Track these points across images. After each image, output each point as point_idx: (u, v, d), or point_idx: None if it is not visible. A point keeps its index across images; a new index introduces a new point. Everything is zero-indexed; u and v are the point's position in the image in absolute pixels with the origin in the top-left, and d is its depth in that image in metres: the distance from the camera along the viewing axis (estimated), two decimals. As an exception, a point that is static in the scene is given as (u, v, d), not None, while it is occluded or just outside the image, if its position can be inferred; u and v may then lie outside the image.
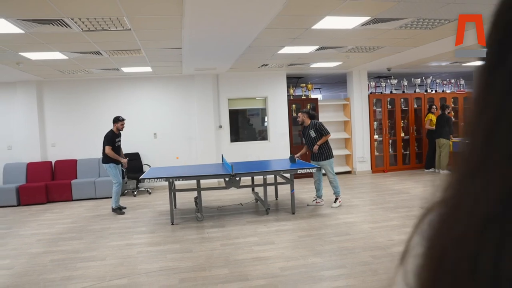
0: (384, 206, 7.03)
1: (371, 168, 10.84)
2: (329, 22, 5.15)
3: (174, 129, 10.18)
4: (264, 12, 4.59)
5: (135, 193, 9.38)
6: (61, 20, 4.59)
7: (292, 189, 6.81)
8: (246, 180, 7.74)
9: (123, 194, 9.04)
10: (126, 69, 8.53)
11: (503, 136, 0.32)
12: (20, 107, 9.56)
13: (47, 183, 9.09)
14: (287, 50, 7.06)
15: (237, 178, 6.67)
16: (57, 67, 7.78)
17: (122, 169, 7.90)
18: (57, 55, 6.54)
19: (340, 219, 6.31)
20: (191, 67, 8.82)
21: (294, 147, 10.52)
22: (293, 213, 6.75)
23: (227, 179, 6.66)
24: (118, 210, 7.38)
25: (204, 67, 8.91)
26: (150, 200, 8.63)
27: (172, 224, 6.46)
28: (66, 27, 4.85)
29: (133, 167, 9.31)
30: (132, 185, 9.68)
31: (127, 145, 9.67)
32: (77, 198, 9.00)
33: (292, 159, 7.57)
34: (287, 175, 7.08)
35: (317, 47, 6.94)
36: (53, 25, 4.74)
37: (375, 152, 10.93)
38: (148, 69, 8.68)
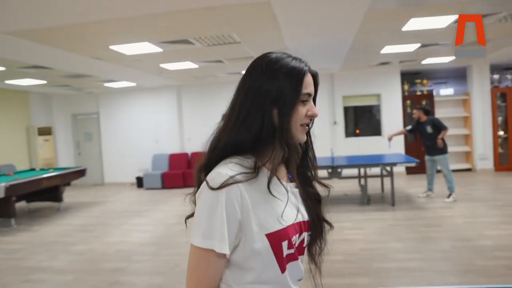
0: (490, 204, 6.91)
1: (494, 166, 10.29)
2: (417, 23, 5.47)
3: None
4: (349, 23, 5.17)
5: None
6: (187, 40, 5.85)
7: (392, 182, 7.15)
8: (353, 172, 8.33)
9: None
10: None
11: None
12: (164, 108, 11.52)
13: (184, 171, 10.83)
14: (388, 49, 7.40)
15: (339, 170, 7.29)
16: (191, 74, 9.31)
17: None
18: (189, 65, 7.97)
19: (437, 213, 6.48)
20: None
21: (408, 144, 10.63)
22: (393, 205, 7.09)
23: (329, 170, 7.33)
24: None
25: (317, 68, 9.61)
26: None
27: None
28: (192, 44, 6.10)
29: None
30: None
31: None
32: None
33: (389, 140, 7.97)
34: (388, 168, 7.42)
35: (418, 44, 7.14)
36: (182, 44, 6.03)
37: (499, 149, 10.34)
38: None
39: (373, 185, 8.73)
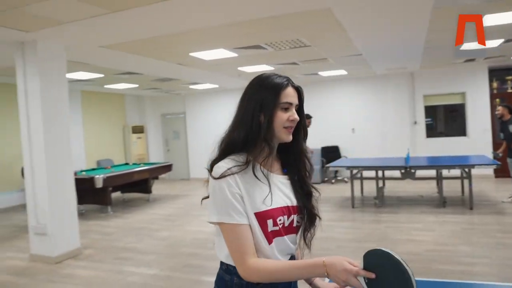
0: None
1: None
2: (492, 19, 5.26)
3: (370, 124, 11.00)
4: (415, 22, 5.15)
5: (333, 181, 10.72)
6: (259, 46, 6.22)
7: (470, 184, 6.87)
8: (431, 173, 8.10)
9: (323, 182, 10.56)
10: (323, 73, 9.87)
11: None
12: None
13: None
14: (468, 46, 7.10)
15: (413, 171, 7.18)
16: (268, 75, 9.69)
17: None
18: (265, 68, 8.36)
19: (519, 219, 6.14)
20: (381, 68, 9.51)
21: (497, 144, 9.97)
22: (471, 208, 6.82)
23: (402, 171, 7.25)
24: None
25: (393, 67, 9.48)
26: (343, 188, 9.74)
27: (353, 207, 7.47)
28: (264, 49, 6.46)
29: (332, 158, 10.57)
30: (331, 174, 11.03)
31: (327, 139, 11.13)
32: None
33: (496, 155, 7.57)
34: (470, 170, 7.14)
35: (502, 40, 6.77)
36: (255, 49, 6.42)
37: None
38: (343, 72, 9.80)
39: (454, 187, 8.42)
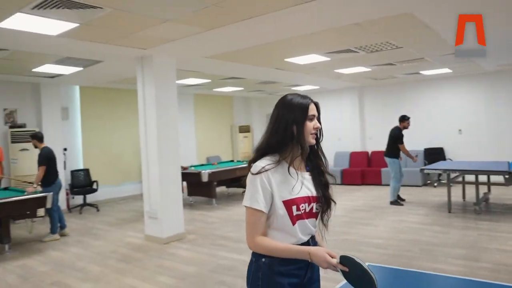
0: None
1: None
2: None
3: (479, 125, 10.33)
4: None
5: (436, 184, 10.32)
6: (349, 49, 6.45)
7: None
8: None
9: (424, 185, 10.24)
10: (425, 72, 9.59)
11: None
12: (346, 108, 12.21)
13: (363, 169, 11.30)
14: None
15: (518, 176, 6.71)
16: (368, 76, 9.75)
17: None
18: (362, 69, 8.49)
19: None
20: (492, 64, 8.93)
21: None
22: None
23: (506, 176, 6.82)
24: (396, 202, 8.15)
25: (507, 63, 8.82)
26: (445, 192, 9.35)
27: (449, 212, 7.25)
28: (355, 52, 6.67)
29: (436, 160, 10.15)
30: (434, 177, 10.60)
31: (430, 140, 10.77)
32: (386, 183, 10.75)
33: None
34: None
35: None
36: (346, 53, 6.66)
37: None
38: (447, 70, 9.41)
39: None
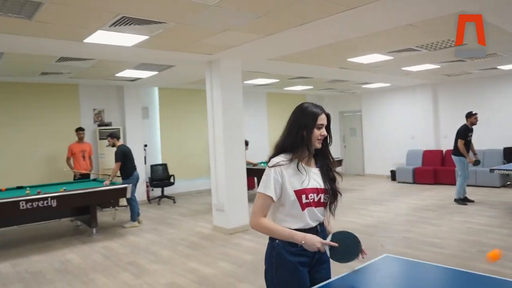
0: None
1: None
2: None
3: None
4: None
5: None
6: (410, 48, 6.40)
7: None
8: None
9: (503, 186, 9.68)
10: (503, 67, 9.04)
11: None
12: (419, 105, 11.85)
13: (436, 168, 10.94)
14: None
15: None
16: (440, 72, 9.43)
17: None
18: (429, 66, 8.29)
19: None
20: None
21: None
22: None
23: None
24: (461, 201, 7.93)
25: None
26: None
27: (529, 215, 6.88)
28: (417, 51, 6.59)
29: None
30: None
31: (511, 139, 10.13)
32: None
33: None
34: None
35: None
36: (407, 51, 6.61)
37: None
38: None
39: None
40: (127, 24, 4.32)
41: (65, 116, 8.99)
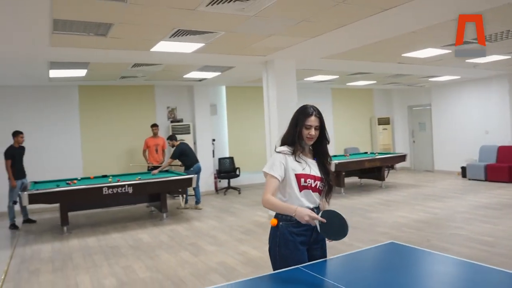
0: None
1: None
2: None
3: None
4: None
5: None
6: (466, 41, 6.33)
7: None
8: None
9: None
10: None
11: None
12: (494, 98, 11.28)
13: (511, 165, 10.40)
14: None
15: None
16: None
17: None
18: (497, 57, 8.00)
19: None
20: None
21: None
22: None
23: None
24: None
25: None
26: None
27: None
28: (473, 43, 6.49)
29: None
30: None
31: None
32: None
33: None
34: None
35: None
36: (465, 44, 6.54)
37: None
38: None
39: None
40: (183, 35, 4.96)
41: (142, 114, 10.06)
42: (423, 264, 2.46)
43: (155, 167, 8.62)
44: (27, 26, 4.33)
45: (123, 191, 7.03)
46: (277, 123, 7.09)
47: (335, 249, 3.73)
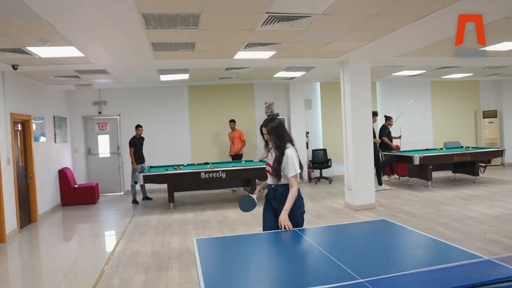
0: None
1: None
2: None
3: None
4: None
5: None
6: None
7: None
8: None
9: None
10: None
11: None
12: None
13: None
14: None
15: None
16: None
17: None
18: None
19: None
20: None
21: None
22: None
23: None
24: None
25: None
26: None
27: None
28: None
29: None
30: None
31: None
32: None
33: None
34: None
35: None
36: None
37: None
38: None
39: None
40: (254, 46, 5.96)
41: (242, 109, 11.41)
42: (406, 240, 3.03)
43: (234, 156, 10.12)
44: (139, 50, 5.80)
45: (218, 176, 8.36)
46: (350, 119, 7.69)
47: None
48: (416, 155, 9.44)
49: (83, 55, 5.91)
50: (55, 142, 9.35)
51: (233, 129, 10.63)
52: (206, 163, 9.54)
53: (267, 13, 4.34)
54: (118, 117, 10.89)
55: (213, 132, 11.27)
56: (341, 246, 2.93)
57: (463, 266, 2.22)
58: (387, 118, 10.29)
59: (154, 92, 11.01)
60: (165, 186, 8.74)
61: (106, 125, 10.93)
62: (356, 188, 7.72)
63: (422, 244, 2.94)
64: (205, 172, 8.34)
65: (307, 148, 11.72)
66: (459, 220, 6.57)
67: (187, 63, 7.22)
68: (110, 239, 6.94)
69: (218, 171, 8.38)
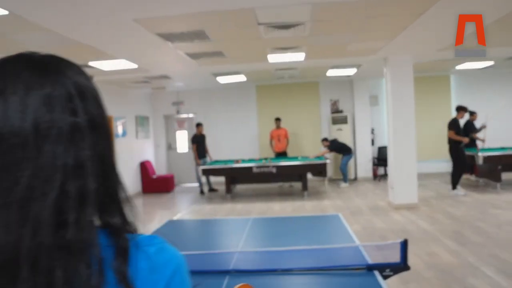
0: None
1: None
2: None
3: None
4: None
5: None
6: None
7: None
8: None
9: None
10: None
11: None
12: None
13: None
14: None
15: None
16: None
17: None
18: None
19: None
20: None
21: None
22: None
23: None
24: None
25: None
26: None
27: None
28: None
29: None
30: None
31: None
32: None
33: None
34: None
35: None
36: None
37: None
38: None
39: None
40: (280, 49, 6.43)
41: (308, 106, 11.83)
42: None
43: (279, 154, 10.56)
44: (178, 60, 6.74)
45: (269, 170, 8.97)
46: (392, 116, 7.69)
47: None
48: (480, 153, 8.88)
49: (137, 66, 7.01)
50: (137, 138, 10.86)
51: (278, 127, 10.99)
52: (266, 159, 10.17)
53: (259, 24, 4.84)
54: (194, 115, 12.11)
55: (245, 132, 11.95)
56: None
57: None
58: (471, 113, 9.68)
59: (225, 92, 11.96)
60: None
61: (183, 123, 12.25)
62: (398, 186, 7.70)
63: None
64: (257, 167, 9.01)
65: (373, 145, 11.66)
66: (498, 225, 6.22)
67: (229, 66, 7.90)
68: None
69: (269, 166, 8.99)
